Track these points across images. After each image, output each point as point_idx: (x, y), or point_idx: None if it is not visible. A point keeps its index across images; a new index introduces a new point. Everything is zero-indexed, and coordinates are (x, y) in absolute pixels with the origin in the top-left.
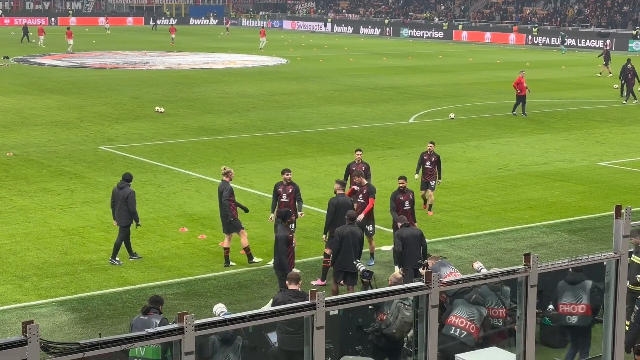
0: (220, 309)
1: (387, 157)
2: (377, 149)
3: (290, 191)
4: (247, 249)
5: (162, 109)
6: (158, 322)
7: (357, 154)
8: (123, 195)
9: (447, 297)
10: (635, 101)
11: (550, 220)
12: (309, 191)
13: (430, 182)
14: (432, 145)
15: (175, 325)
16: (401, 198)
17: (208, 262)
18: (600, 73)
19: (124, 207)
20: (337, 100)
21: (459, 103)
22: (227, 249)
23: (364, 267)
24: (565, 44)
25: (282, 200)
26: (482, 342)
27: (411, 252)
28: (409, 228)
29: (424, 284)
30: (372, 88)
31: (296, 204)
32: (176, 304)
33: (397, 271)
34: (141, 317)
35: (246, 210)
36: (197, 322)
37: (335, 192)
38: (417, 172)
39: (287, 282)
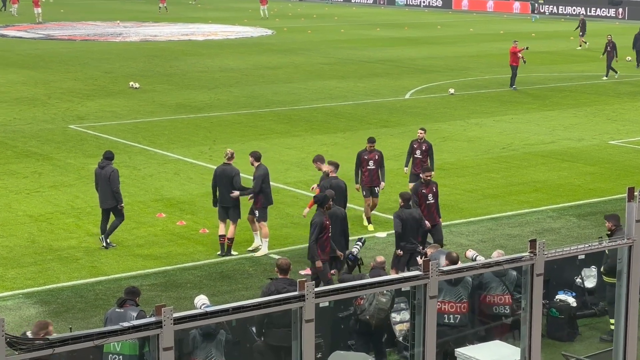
0: (201, 301)
1: (381, 136)
2: (370, 127)
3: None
4: (231, 241)
5: (137, 85)
6: (135, 315)
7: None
8: (105, 175)
9: None
10: None
11: (557, 204)
12: (297, 173)
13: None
14: (423, 132)
15: (153, 319)
16: (424, 191)
17: (188, 250)
18: (580, 46)
19: (108, 188)
20: (327, 74)
21: (459, 77)
22: (224, 237)
23: (355, 249)
24: (536, 12)
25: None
26: (485, 335)
27: (408, 235)
28: (409, 210)
29: (421, 273)
30: (364, 61)
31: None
32: (153, 295)
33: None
34: (116, 309)
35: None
36: (176, 315)
37: (327, 175)
38: (406, 164)
39: (275, 270)
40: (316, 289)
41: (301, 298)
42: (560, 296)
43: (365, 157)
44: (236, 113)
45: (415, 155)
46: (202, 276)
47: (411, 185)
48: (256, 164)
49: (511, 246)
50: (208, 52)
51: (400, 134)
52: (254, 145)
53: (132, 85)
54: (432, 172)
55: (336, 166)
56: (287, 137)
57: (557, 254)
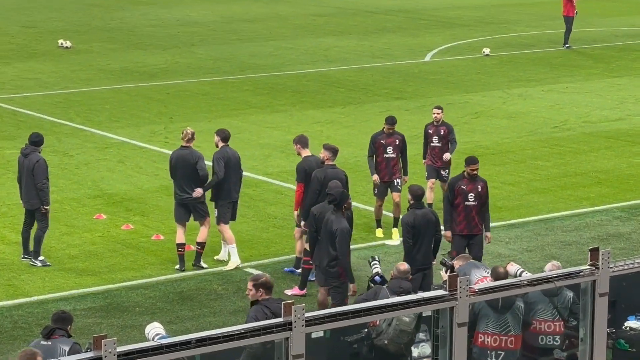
0: (155, 331)
1: (394, 110)
2: (379, 99)
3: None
4: (202, 246)
5: (68, 43)
6: (66, 349)
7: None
8: (28, 165)
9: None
10: None
11: (627, 201)
12: (281, 161)
13: (442, 171)
14: (440, 111)
15: (91, 354)
16: (464, 187)
17: (136, 263)
18: None
19: (32, 183)
20: (321, 29)
21: (496, 33)
22: (183, 246)
23: (377, 269)
24: None
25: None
26: None
27: (422, 247)
28: (422, 210)
29: (446, 292)
30: (371, 12)
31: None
32: (91, 323)
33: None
34: (42, 342)
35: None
36: (120, 349)
37: (322, 163)
38: (425, 155)
39: (250, 291)
40: (307, 314)
41: (287, 326)
42: (631, 323)
43: (382, 141)
44: (200, 81)
45: (433, 143)
46: (155, 298)
47: (430, 182)
48: (221, 144)
49: (566, 257)
50: (164, 0)
51: (418, 109)
52: (224, 124)
53: (61, 44)
54: (477, 165)
55: (334, 152)
56: (268, 112)
57: (626, 268)
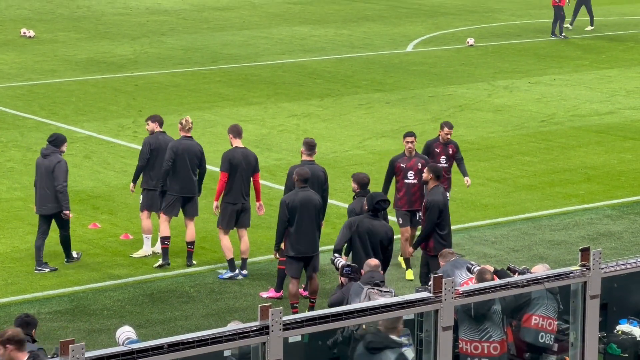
0: (125, 335)
1: (374, 103)
2: (358, 91)
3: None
4: (193, 245)
5: (31, 33)
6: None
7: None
8: (48, 167)
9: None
10: None
11: (618, 199)
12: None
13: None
14: (449, 130)
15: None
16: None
17: (104, 263)
18: None
19: (50, 186)
20: (297, 18)
21: (481, 22)
22: (168, 240)
23: (343, 261)
24: None
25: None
26: None
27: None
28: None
29: (430, 294)
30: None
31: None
32: (56, 327)
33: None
34: None
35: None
36: (89, 354)
37: (301, 157)
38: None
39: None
40: (285, 318)
41: (264, 330)
42: (623, 326)
43: (402, 165)
44: (170, 72)
45: (440, 164)
46: (124, 300)
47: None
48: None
49: (554, 257)
50: None
51: (400, 101)
52: (196, 117)
53: (24, 33)
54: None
55: (310, 147)
56: (241, 105)
57: (618, 268)
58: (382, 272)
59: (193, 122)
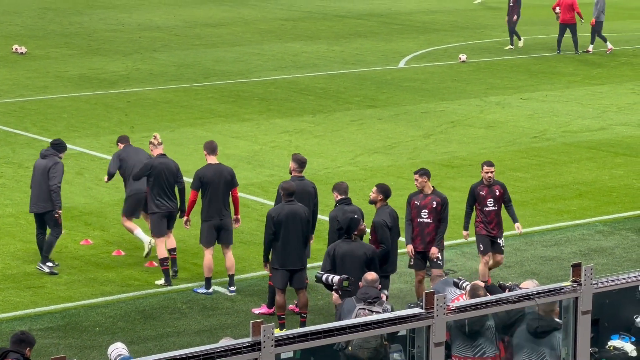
0: (117, 351)
1: (366, 120)
2: (350, 107)
3: (498, 193)
4: (164, 261)
5: (23, 49)
6: None
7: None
8: (44, 167)
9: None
10: None
11: (609, 214)
12: (247, 172)
13: (498, 239)
14: (489, 167)
15: None
16: (482, 193)
17: (96, 280)
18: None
19: (45, 185)
20: (289, 34)
21: (473, 39)
22: (167, 260)
23: (336, 276)
24: None
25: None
26: None
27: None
28: (350, 207)
29: (422, 310)
30: (342, 16)
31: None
32: (48, 344)
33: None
34: None
35: None
36: None
37: (290, 173)
38: (466, 225)
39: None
40: (277, 334)
41: (255, 346)
42: (615, 342)
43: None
44: (162, 88)
45: (487, 207)
46: (116, 317)
47: (485, 257)
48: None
49: (546, 273)
50: (124, 4)
51: (392, 117)
52: (188, 133)
53: (16, 49)
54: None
55: (300, 163)
56: (233, 121)
57: (610, 284)
58: (379, 286)
59: (185, 138)
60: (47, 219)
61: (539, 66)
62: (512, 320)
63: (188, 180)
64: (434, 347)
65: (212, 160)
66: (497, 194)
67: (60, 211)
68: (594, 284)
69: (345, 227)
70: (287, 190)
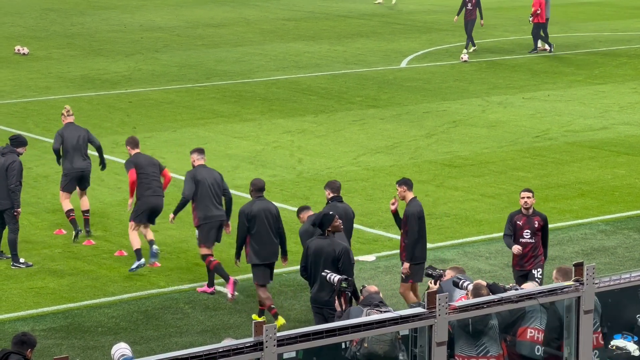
0: (120, 352)
1: (368, 120)
2: (352, 107)
3: (536, 225)
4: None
5: (25, 50)
6: None
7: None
8: (3, 165)
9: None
10: None
11: (612, 214)
12: (250, 172)
13: (533, 270)
14: (527, 193)
15: None
16: (519, 223)
17: (98, 280)
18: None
19: (4, 183)
20: (291, 34)
21: (475, 38)
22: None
23: (337, 276)
24: None
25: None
26: None
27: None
28: (342, 204)
29: (424, 310)
30: (344, 16)
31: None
32: (51, 344)
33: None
34: None
35: None
36: None
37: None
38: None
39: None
40: (279, 334)
41: (258, 346)
42: (617, 342)
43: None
44: (165, 89)
45: (523, 239)
46: (118, 317)
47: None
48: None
49: (548, 272)
50: (126, 4)
51: (393, 117)
52: (190, 133)
53: (18, 50)
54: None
55: (200, 151)
56: (236, 121)
57: (612, 283)
58: (381, 295)
59: (187, 138)
60: (6, 216)
61: (540, 66)
62: (514, 318)
63: (179, 177)
64: (436, 346)
65: (137, 151)
66: (536, 225)
67: (19, 209)
68: (596, 283)
69: (317, 223)
70: (256, 187)
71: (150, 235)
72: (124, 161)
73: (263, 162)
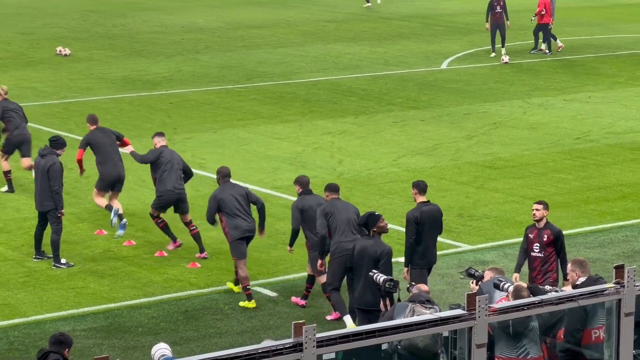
0: (160, 352)
1: (408, 121)
2: (393, 109)
3: (545, 239)
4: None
5: (67, 51)
6: None
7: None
8: (44, 167)
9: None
10: None
11: None
12: (290, 173)
13: (546, 287)
14: (538, 205)
15: None
16: (530, 236)
17: (139, 280)
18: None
19: (46, 185)
20: (331, 36)
21: (515, 40)
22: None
23: (383, 276)
24: None
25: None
26: None
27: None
28: (313, 196)
29: (464, 312)
30: (385, 17)
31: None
32: (91, 344)
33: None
34: None
35: None
36: None
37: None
38: (518, 269)
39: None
40: (319, 335)
41: (297, 347)
42: None
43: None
44: (205, 90)
45: (533, 253)
46: (158, 317)
47: None
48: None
49: None
50: (167, 6)
51: (434, 119)
52: (230, 135)
53: (60, 51)
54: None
55: (160, 134)
56: (276, 123)
57: None
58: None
59: (228, 139)
60: (49, 217)
61: (581, 67)
62: (554, 321)
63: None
64: (475, 348)
65: (94, 127)
66: (545, 239)
67: (63, 210)
68: (637, 286)
69: (362, 223)
70: (222, 173)
71: (116, 204)
72: None
73: (303, 163)
